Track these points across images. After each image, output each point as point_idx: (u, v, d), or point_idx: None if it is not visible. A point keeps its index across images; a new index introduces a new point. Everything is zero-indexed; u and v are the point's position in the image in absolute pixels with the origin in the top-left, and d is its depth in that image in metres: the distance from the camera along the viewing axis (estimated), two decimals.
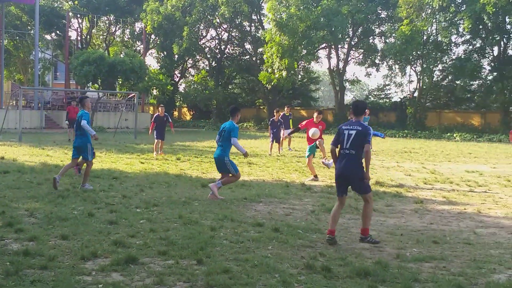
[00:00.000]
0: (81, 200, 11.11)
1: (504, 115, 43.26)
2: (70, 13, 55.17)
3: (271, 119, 23.67)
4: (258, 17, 58.12)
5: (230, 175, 12.11)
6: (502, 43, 44.46)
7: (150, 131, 22.65)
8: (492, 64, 45.73)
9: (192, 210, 10.44)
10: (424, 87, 47.90)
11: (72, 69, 45.74)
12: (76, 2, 56.37)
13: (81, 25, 60.16)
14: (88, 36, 60.22)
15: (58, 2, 58.43)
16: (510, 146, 33.72)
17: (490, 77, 46.86)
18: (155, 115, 22.29)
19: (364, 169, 8.40)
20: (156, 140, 21.59)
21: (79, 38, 60.19)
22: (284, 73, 47.13)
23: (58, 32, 57.04)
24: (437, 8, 42.55)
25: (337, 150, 8.66)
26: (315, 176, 15.56)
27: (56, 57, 61.04)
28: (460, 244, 8.35)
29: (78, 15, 57.72)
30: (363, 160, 8.43)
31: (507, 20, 41.75)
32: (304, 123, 16.29)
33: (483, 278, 6.63)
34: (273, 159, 21.02)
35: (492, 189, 14.48)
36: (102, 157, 20.54)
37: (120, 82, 48.34)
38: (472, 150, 29.24)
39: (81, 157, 13.55)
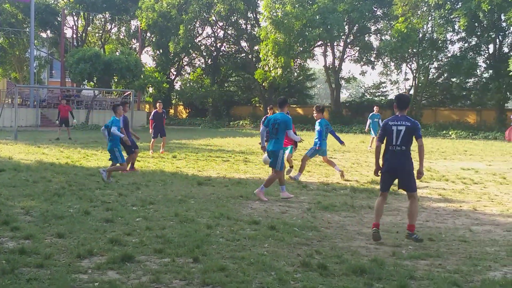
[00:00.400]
0: (77, 198, 11.11)
1: (500, 112, 43.36)
2: (66, 11, 55.04)
3: (264, 117, 22.89)
4: (254, 15, 58.12)
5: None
6: (497, 40, 44.55)
7: (150, 130, 22.20)
8: (488, 62, 45.80)
9: (188, 208, 10.44)
10: (420, 84, 47.97)
11: (67, 67, 45.68)
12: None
13: (76, 23, 60.05)
14: (84, 34, 60.11)
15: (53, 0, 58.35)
16: (506, 143, 33.79)
17: (485, 75, 46.96)
18: (153, 112, 22.08)
19: (412, 164, 8.35)
20: (153, 139, 21.50)
21: (74, 36, 60.06)
22: (279, 71, 47.13)
23: (53, 30, 56.89)
24: (432, 5, 42.60)
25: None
26: (291, 166, 15.68)
27: (52, 55, 60.94)
28: (455, 241, 8.37)
29: (74, 13, 57.60)
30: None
31: (503, 17, 41.77)
32: None
33: (478, 276, 6.64)
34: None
35: (488, 187, 14.51)
36: (98, 155, 20.55)
37: (116, 80, 48.31)
38: (468, 148, 29.29)
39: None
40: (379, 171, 8.53)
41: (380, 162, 8.52)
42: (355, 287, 6.14)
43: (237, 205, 11.02)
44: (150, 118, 22.39)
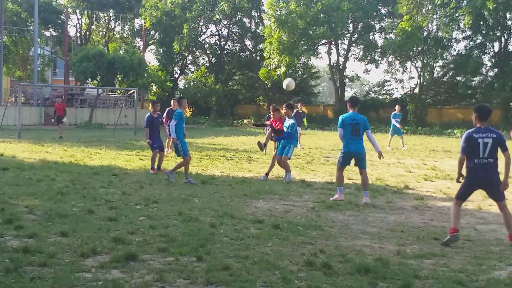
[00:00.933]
0: (81, 197, 11.11)
1: (505, 111, 43.20)
2: (70, 9, 55.07)
3: (267, 116, 21.70)
4: (258, 13, 58.08)
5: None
6: (503, 39, 44.39)
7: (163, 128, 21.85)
8: (493, 60, 45.69)
9: (192, 207, 10.43)
10: (425, 83, 47.88)
11: (71, 66, 45.74)
12: None
13: (80, 21, 60.13)
14: (88, 32, 60.16)
15: None
16: (511, 142, 33.69)
17: (491, 73, 46.83)
18: (167, 110, 21.67)
19: (499, 175, 8.32)
20: (168, 138, 21.18)
21: (78, 34, 60.11)
22: (284, 69, 47.10)
23: (57, 28, 56.89)
24: (438, 3, 42.49)
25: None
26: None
27: (56, 53, 60.99)
28: (460, 240, 8.33)
29: (77, 11, 57.63)
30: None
31: (508, 16, 41.66)
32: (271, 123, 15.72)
33: (483, 275, 6.61)
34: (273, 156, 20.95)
35: None
36: (101, 154, 20.56)
37: (120, 78, 48.36)
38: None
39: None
40: (461, 178, 8.51)
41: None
42: (360, 286, 6.11)
43: (241, 204, 11.00)
44: (163, 116, 21.64)
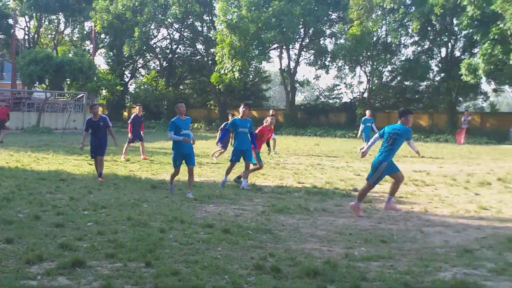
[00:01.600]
0: (27, 203, 10.87)
1: (451, 115, 44.15)
2: (18, 12, 53.93)
3: (224, 124, 20.21)
4: (210, 18, 57.98)
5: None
6: (449, 44, 45.37)
7: (129, 134, 21.42)
8: (440, 65, 46.68)
9: (141, 212, 10.33)
10: (374, 87, 48.57)
11: (18, 69, 44.80)
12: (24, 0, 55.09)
13: (28, 24, 58.91)
14: (36, 35, 59.00)
15: (3, 1, 57.05)
16: (456, 146, 34.46)
17: (437, 78, 47.82)
18: (133, 116, 21.32)
19: None
20: (128, 143, 20.94)
21: (26, 37, 58.90)
22: (236, 74, 47.05)
23: (4, 31, 55.59)
24: (387, 9, 43.19)
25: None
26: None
27: (3, 56, 59.61)
28: (407, 243, 8.48)
29: (26, 14, 56.45)
30: None
31: (455, 21, 42.61)
32: (258, 130, 15.34)
33: (429, 276, 6.74)
34: (224, 160, 20.94)
35: (439, 188, 14.78)
36: (48, 159, 20.18)
37: (69, 82, 47.53)
38: (420, 150, 29.62)
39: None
40: None
41: None
42: None
43: (191, 208, 10.96)
44: (129, 122, 21.48)
